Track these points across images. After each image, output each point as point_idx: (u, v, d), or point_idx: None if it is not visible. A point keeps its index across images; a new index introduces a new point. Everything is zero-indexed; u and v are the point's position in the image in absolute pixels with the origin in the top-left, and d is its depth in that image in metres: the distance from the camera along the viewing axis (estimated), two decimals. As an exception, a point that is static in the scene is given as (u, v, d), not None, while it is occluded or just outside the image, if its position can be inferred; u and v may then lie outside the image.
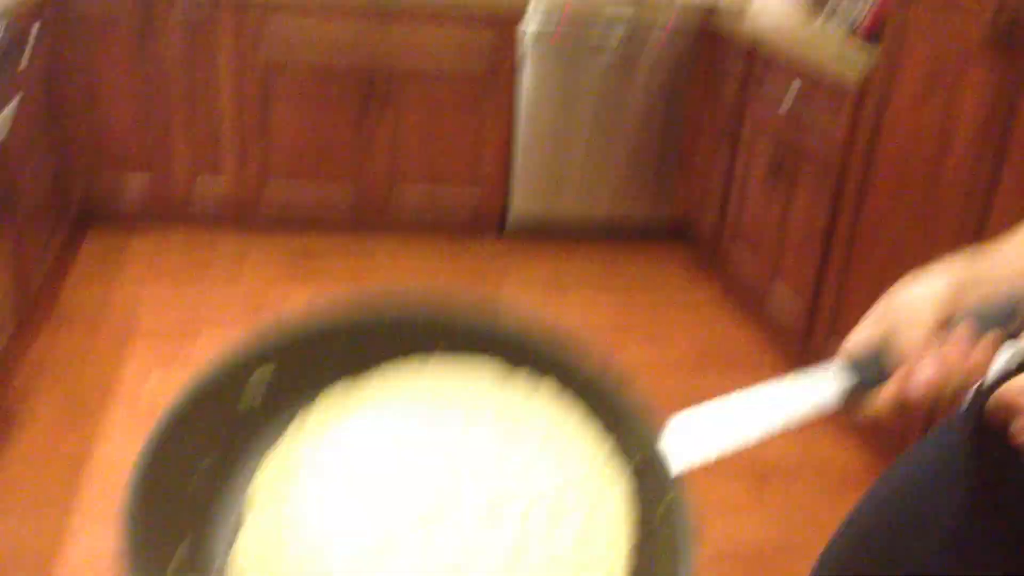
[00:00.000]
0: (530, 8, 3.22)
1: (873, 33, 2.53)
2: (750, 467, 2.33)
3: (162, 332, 2.69)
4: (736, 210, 3.17)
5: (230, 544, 0.68)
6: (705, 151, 3.41)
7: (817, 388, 0.71)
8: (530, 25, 3.24)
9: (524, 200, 3.49)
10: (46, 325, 2.65)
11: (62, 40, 2.95)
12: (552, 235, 3.56)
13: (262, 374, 0.75)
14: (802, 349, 2.75)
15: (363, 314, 0.79)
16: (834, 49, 2.59)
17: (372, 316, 0.79)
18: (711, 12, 3.32)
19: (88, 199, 3.22)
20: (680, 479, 0.67)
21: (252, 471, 0.72)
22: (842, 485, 2.29)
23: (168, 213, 3.33)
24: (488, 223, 3.55)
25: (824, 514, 2.16)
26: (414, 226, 3.49)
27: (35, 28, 2.60)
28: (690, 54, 3.37)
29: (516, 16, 3.24)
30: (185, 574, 0.63)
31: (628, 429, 0.72)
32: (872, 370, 0.71)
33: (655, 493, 0.68)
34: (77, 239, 3.16)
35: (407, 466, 0.69)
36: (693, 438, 0.69)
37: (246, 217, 3.38)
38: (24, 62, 2.46)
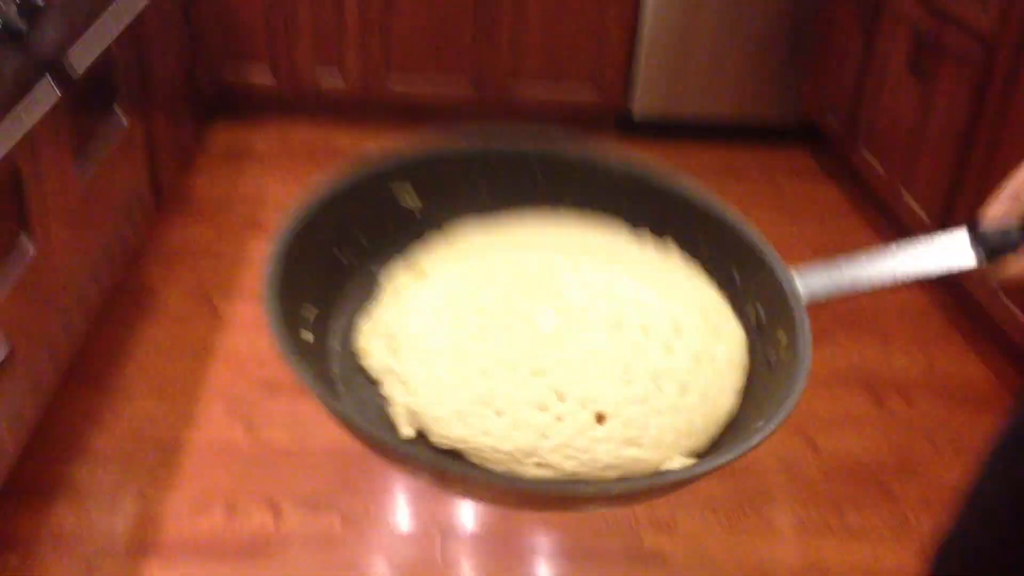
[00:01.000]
0: None
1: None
2: (871, 380, 2.26)
3: (284, 224, 2.75)
4: (869, 110, 2.99)
5: (352, 319, 0.76)
6: (837, 45, 3.21)
7: (949, 251, 0.77)
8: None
9: (646, 97, 3.38)
10: (175, 215, 2.75)
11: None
12: (673, 134, 3.45)
13: (403, 187, 0.80)
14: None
15: (495, 147, 0.83)
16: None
17: (505, 150, 0.82)
18: None
19: (215, 89, 3.28)
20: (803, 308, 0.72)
21: (389, 264, 0.79)
22: (964, 403, 2.20)
23: (291, 104, 3.37)
24: (608, 120, 3.47)
25: (943, 433, 2.09)
26: (534, 121, 3.44)
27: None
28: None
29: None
30: (313, 333, 0.71)
31: (757, 267, 0.76)
32: (1004, 239, 0.75)
33: (779, 322, 0.72)
34: (204, 129, 3.24)
35: (541, 287, 0.73)
36: (824, 279, 0.75)
37: (366, 110, 3.39)
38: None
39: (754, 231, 0.79)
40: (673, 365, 0.71)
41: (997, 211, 0.79)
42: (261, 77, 3.30)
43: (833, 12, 3.22)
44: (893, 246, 0.78)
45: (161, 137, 2.58)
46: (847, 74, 3.12)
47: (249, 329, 2.27)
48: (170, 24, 2.68)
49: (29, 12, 1.61)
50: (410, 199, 0.80)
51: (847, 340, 2.43)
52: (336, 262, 0.76)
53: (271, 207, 2.84)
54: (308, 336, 0.71)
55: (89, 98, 2.02)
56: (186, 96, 2.91)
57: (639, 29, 3.28)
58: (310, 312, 0.73)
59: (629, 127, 3.45)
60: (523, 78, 3.35)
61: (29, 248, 1.68)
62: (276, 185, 2.98)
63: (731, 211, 0.81)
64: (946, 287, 2.57)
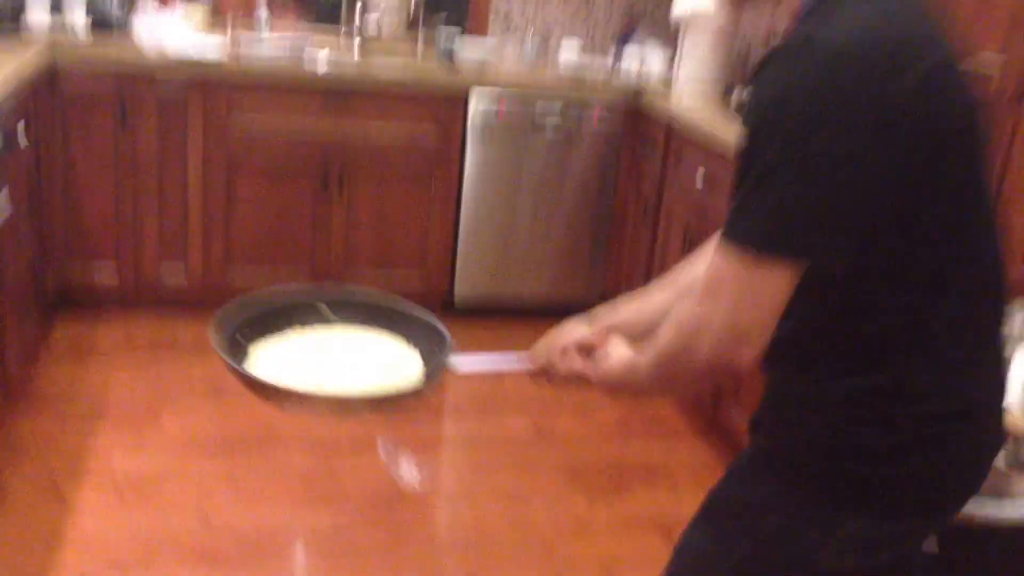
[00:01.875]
0: (473, 92, 3.55)
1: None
2: (665, 524, 2.61)
3: (129, 412, 2.92)
4: (658, 290, 3.49)
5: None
6: (632, 228, 3.73)
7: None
8: (474, 108, 3.56)
9: (467, 281, 3.79)
10: (21, 406, 2.87)
11: (47, 127, 3.21)
12: (494, 313, 3.84)
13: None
14: (711, 420, 3.05)
15: (297, 296, 1.57)
16: (735, 132, 2.93)
17: (301, 297, 1.57)
18: (639, 93, 3.67)
19: (61, 285, 3.46)
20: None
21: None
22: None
23: (135, 298, 3.57)
24: (435, 302, 3.83)
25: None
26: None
27: (22, 122, 2.85)
28: (620, 133, 3.72)
29: (461, 101, 3.56)
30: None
31: (434, 342, 1.51)
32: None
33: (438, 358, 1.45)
34: (50, 323, 3.38)
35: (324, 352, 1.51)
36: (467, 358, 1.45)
37: (208, 301, 3.63)
38: (13, 151, 2.70)
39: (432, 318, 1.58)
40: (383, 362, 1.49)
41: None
42: (106, 275, 3.50)
43: (624, 208, 3.77)
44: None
45: (8, 333, 2.73)
46: (639, 258, 3.63)
47: (97, 513, 2.41)
48: (21, 225, 2.88)
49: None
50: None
51: (644, 490, 2.78)
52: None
53: (114, 398, 3.00)
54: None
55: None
56: (32, 293, 3.08)
57: (459, 223, 3.71)
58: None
59: (454, 309, 3.83)
60: (356, 267, 3.69)
61: None
62: (119, 376, 3.14)
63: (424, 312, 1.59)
64: (730, 445, 2.98)
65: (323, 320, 1.56)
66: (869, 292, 1.09)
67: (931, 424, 1.13)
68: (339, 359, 1.49)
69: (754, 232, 1.03)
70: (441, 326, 1.55)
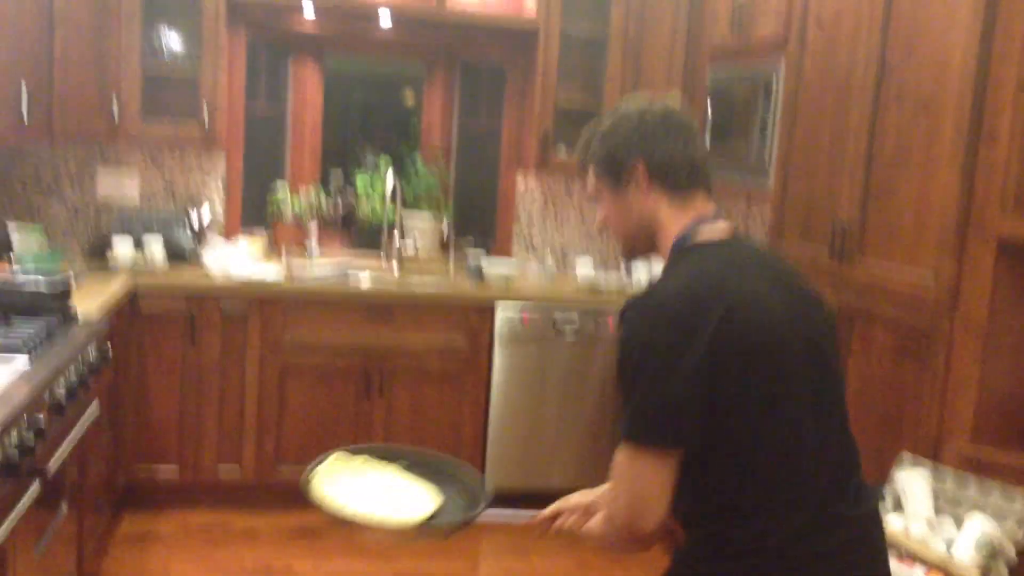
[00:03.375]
0: (499, 304, 3.99)
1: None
2: None
3: (188, 597, 3.20)
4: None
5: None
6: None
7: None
8: (500, 317, 3.99)
9: (498, 473, 4.10)
10: (91, 594, 3.16)
11: (126, 343, 3.65)
12: (523, 504, 4.10)
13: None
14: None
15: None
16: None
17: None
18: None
19: (127, 484, 3.81)
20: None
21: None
22: None
23: (193, 497, 3.91)
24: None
25: None
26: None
27: (109, 341, 3.29)
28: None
29: (488, 312, 4.00)
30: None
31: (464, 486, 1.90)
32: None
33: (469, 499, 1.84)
34: (116, 519, 3.71)
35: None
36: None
37: (258, 495, 3.95)
38: (103, 366, 3.12)
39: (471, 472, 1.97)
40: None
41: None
42: (168, 473, 3.86)
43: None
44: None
45: (85, 527, 3.06)
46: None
47: None
48: (100, 431, 3.28)
49: (40, 433, 2.21)
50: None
51: None
52: None
53: (175, 584, 3.28)
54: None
55: (47, 495, 2.55)
56: (105, 490, 3.43)
57: (489, 421, 4.06)
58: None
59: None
60: (393, 464, 4.02)
61: (2, 612, 2.13)
62: (178, 564, 3.43)
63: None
64: None
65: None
66: (705, 468, 1.48)
67: (767, 565, 1.49)
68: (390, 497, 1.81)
69: (631, 432, 1.46)
70: (481, 485, 1.92)
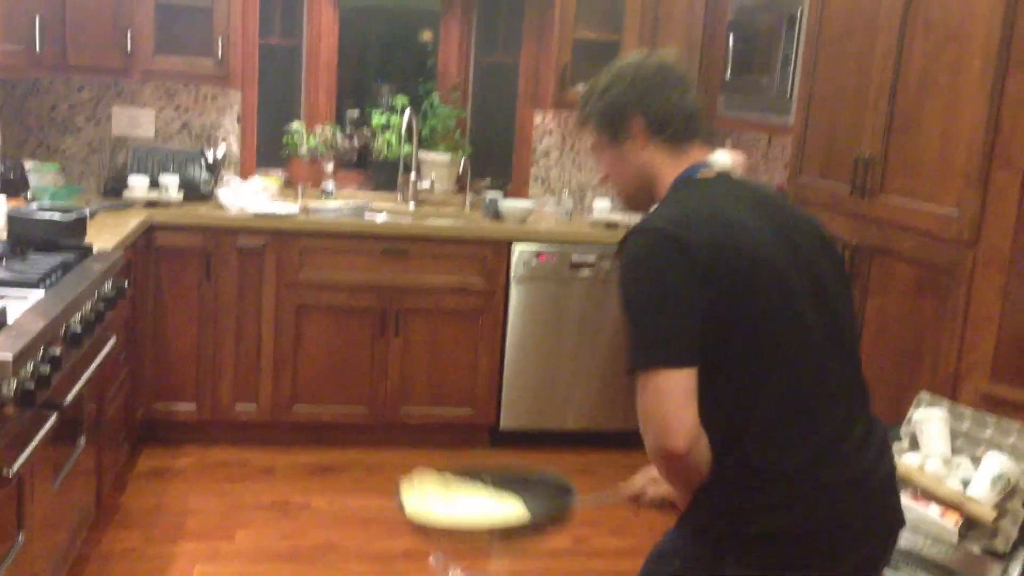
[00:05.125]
0: (516, 242, 3.96)
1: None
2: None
3: (205, 529, 3.24)
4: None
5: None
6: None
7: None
8: (516, 255, 3.96)
9: (513, 413, 4.10)
10: (112, 525, 3.21)
11: (143, 278, 3.67)
12: (537, 445, 4.13)
13: None
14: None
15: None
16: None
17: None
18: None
19: (146, 421, 3.85)
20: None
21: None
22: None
23: (211, 434, 3.94)
24: (481, 436, 4.14)
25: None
26: (419, 440, 4.09)
27: (126, 277, 3.30)
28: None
29: (504, 249, 3.97)
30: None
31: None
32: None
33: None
34: (136, 452, 3.76)
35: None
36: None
37: (275, 432, 3.99)
38: (119, 301, 3.13)
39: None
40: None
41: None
42: (186, 410, 3.89)
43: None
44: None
45: (104, 462, 3.10)
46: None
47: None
48: (118, 366, 3.30)
49: (55, 364, 2.22)
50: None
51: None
52: None
53: (192, 517, 3.32)
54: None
55: (64, 428, 2.58)
56: (124, 426, 3.47)
57: (505, 358, 4.06)
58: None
59: (500, 439, 4.13)
60: (410, 403, 4.04)
61: (20, 539, 2.16)
62: (196, 498, 3.48)
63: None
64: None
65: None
66: (715, 394, 1.48)
67: (772, 493, 1.51)
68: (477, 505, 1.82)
69: (637, 358, 1.49)
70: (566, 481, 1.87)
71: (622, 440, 4.18)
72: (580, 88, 4.22)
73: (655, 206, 1.66)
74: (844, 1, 3.01)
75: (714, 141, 4.39)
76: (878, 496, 1.59)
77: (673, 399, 1.45)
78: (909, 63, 2.64)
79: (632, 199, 1.75)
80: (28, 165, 3.67)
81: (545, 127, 4.61)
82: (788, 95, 3.32)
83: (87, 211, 3.14)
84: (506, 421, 4.11)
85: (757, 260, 1.52)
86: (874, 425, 1.62)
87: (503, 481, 1.86)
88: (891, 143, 2.70)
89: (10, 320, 2.13)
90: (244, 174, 4.34)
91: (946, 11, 2.50)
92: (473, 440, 4.13)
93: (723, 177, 1.68)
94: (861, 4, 2.90)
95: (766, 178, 4.17)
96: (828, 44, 3.10)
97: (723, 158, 3.94)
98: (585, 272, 4.05)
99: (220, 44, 3.93)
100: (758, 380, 1.51)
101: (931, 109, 2.55)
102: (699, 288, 1.47)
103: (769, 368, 1.51)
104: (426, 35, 4.77)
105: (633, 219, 4.21)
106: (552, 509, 1.77)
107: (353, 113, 4.58)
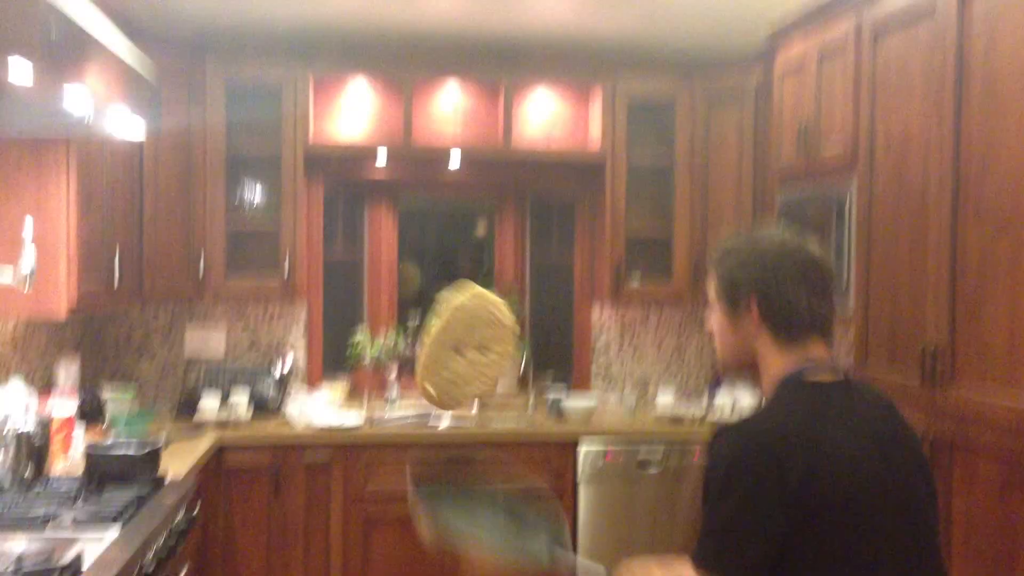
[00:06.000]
0: (582, 440, 3.93)
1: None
2: None
3: None
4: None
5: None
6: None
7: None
8: (583, 454, 3.92)
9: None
10: None
11: (213, 497, 3.67)
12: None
13: None
14: None
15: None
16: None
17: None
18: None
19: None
20: None
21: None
22: None
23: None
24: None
25: None
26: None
27: (200, 499, 3.32)
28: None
29: (571, 448, 3.94)
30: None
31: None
32: None
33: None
34: None
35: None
36: None
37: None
38: (192, 526, 3.13)
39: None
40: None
41: None
42: (256, 629, 3.82)
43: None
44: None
45: None
46: None
47: None
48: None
49: None
50: None
51: None
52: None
53: None
54: None
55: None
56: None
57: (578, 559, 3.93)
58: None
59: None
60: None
61: None
62: None
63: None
64: None
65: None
66: None
67: None
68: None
69: (700, 554, 1.49)
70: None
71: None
72: (636, 280, 4.33)
73: (760, 407, 1.64)
74: (890, 190, 3.06)
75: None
76: None
77: None
78: (964, 251, 2.64)
79: (729, 365, 1.71)
80: (105, 393, 3.79)
81: (603, 322, 4.66)
82: (846, 282, 3.33)
83: (160, 441, 3.21)
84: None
85: (845, 501, 1.48)
86: None
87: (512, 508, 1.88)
88: (957, 331, 2.67)
89: (85, 566, 2.15)
90: (310, 384, 4.43)
91: (997, 198, 2.52)
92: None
93: (836, 385, 1.60)
94: (908, 194, 2.94)
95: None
96: (879, 232, 3.12)
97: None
98: (652, 470, 3.98)
99: (287, 260, 4.10)
100: None
101: (994, 295, 2.52)
102: (781, 510, 1.44)
103: None
104: (480, 229, 4.92)
105: (698, 411, 4.13)
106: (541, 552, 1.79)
107: (415, 318, 4.69)
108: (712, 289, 1.70)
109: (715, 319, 1.70)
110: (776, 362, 1.62)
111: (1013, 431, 2.41)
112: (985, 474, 2.51)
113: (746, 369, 1.68)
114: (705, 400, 4.31)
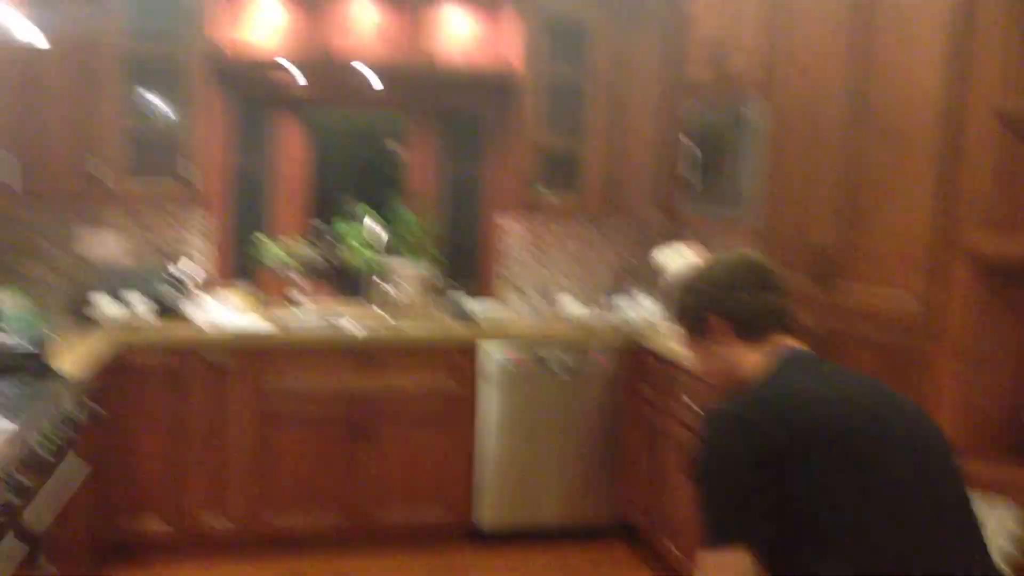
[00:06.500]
0: (485, 343, 3.99)
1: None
2: None
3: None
4: (661, 503, 3.76)
5: None
6: (635, 451, 4.05)
7: None
8: (486, 356, 3.99)
9: (488, 512, 4.07)
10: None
11: (111, 397, 3.62)
12: (515, 543, 4.09)
13: None
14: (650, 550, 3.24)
15: None
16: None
17: None
18: (632, 335, 4.10)
19: (116, 540, 3.76)
20: None
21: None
22: None
23: (181, 548, 3.86)
24: (458, 537, 4.10)
25: None
26: (395, 544, 4.03)
27: (96, 400, 3.26)
28: (618, 369, 4.13)
29: (474, 352, 4.00)
30: None
31: None
32: None
33: None
34: (104, 570, 3.65)
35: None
36: None
37: (248, 547, 3.91)
38: (89, 422, 3.09)
39: None
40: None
41: None
42: (157, 527, 3.82)
43: (627, 434, 4.11)
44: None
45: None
46: (642, 480, 3.92)
47: None
48: (87, 488, 3.24)
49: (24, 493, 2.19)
50: None
51: None
52: None
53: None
54: None
55: (34, 555, 2.52)
56: (92, 547, 3.38)
57: (478, 459, 4.04)
58: None
59: (477, 539, 4.08)
60: (385, 508, 3.99)
61: None
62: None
63: None
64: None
65: None
66: (782, 564, 1.52)
67: None
68: None
69: (706, 536, 1.53)
70: None
71: (598, 535, 4.15)
72: (542, 190, 4.36)
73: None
74: (794, 103, 3.14)
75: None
76: None
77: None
78: (859, 161, 2.75)
79: (725, 389, 1.78)
80: (-3, 292, 3.67)
81: (511, 229, 4.70)
82: (748, 193, 3.43)
83: (53, 334, 3.14)
84: (482, 521, 4.06)
85: (842, 430, 1.54)
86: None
87: None
88: (849, 235, 2.79)
89: (-23, 450, 2.12)
90: (212, 289, 4.36)
91: (892, 111, 2.61)
92: (450, 541, 4.08)
93: (815, 357, 1.72)
94: (810, 106, 3.02)
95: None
96: (782, 144, 3.22)
97: (684, 251, 4.02)
98: (554, 369, 4.08)
99: (189, 167, 3.99)
100: (819, 550, 1.50)
101: (884, 203, 2.64)
102: (763, 471, 1.51)
103: (832, 540, 1.50)
104: (392, 144, 4.88)
105: (599, 317, 4.23)
106: None
107: (320, 224, 4.64)
108: (681, 332, 1.83)
109: (694, 355, 1.83)
110: (753, 361, 1.72)
111: (891, 326, 2.57)
112: (868, 364, 2.66)
113: (739, 386, 1.73)
114: (607, 306, 4.41)
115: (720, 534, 1.52)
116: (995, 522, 2.24)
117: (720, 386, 1.79)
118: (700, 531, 1.55)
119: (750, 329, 1.72)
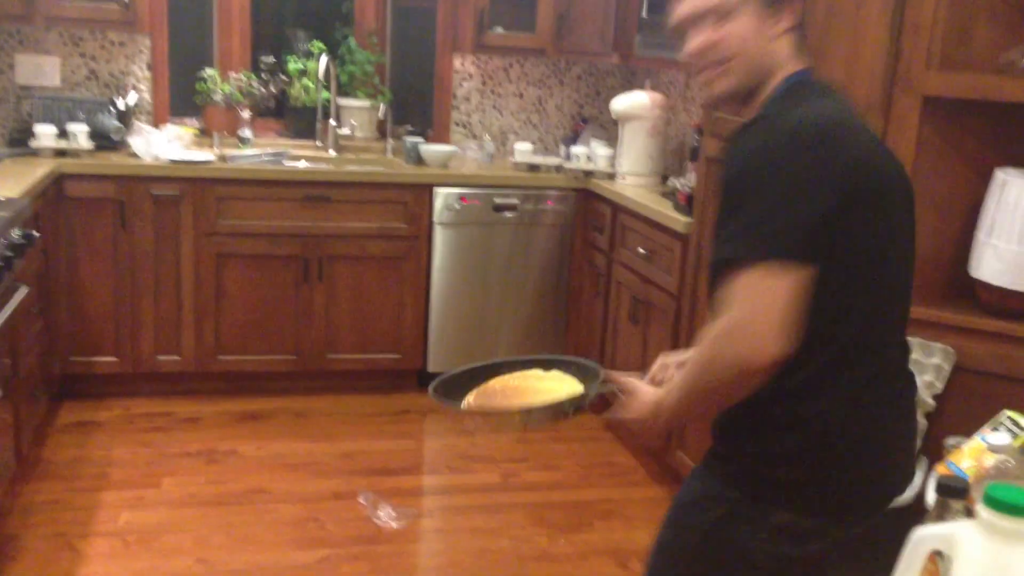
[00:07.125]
0: (438, 186, 3.96)
1: (688, 202, 3.28)
2: (618, 552, 2.89)
3: (131, 477, 3.21)
4: (611, 351, 3.83)
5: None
6: (587, 297, 4.10)
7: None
8: (439, 199, 3.96)
9: (440, 355, 4.13)
10: (33, 477, 3.15)
11: (55, 230, 3.57)
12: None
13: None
14: (664, 465, 3.36)
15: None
16: (670, 213, 3.33)
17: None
18: (587, 181, 4.09)
19: (65, 375, 3.77)
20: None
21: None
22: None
23: (133, 387, 3.88)
24: (409, 380, 4.16)
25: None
26: (346, 386, 4.09)
27: (35, 226, 3.21)
28: (572, 216, 4.13)
29: (427, 193, 3.96)
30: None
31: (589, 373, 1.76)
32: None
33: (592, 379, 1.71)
34: (56, 407, 3.68)
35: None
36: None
37: (200, 385, 3.95)
38: (28, 252, 3.05)
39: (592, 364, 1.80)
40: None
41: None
42: (107, 364, 3.82)
43: (580, 280, 4.15)
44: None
45: (21, 415, 3.03)
46: (595, 323, 3.98)
47: (105, 560, 2.68)
48: (31, 318, 3.22)
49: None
50: None
51: (601, 525, 3.08)
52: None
53: (117, 467, 3.28)
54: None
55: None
56: (41, 380, 3.39)
57: (430, 301, 4.07)
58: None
59: (427, 382, 4.13)
60: (336, 349, 4.03)
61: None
62: (120, 449, 3.43)
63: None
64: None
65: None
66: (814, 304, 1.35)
67: (827, 436, 1.41)
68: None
69: (751, 248, 1.31)
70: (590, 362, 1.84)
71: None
72: (499, 31, 4.25)
73: (768, 101, 1.45)
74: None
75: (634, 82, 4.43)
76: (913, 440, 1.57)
77: (780, 302, 1.29)
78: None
79: (736, 94, 1.48)
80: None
81: (465, 72, 4.59)
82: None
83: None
84: (433, 364, 4.12)
85: (886, 188, 1.42)
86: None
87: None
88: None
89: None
90: (157, 123, 4.24)
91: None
92: (400, 384, 4.15)
93: (842, 92, 1.52)
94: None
95: (684, 117, 4.22)
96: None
97: (642, 99, 3.96)
98: (508, 214, 4.07)
99: (127, -13, 3.81)
100: (843, 303, 1.39)
101: (837, 38, 2.61)
102: (831, 189, 1.32)
103: (869, 286, 1.42)
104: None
105: (555, 161, 4.15)
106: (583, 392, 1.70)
107: (269, 59, 4.49)
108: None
109: (734, 30, 1.44)
110: (788, 68, 1.46)
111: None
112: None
113: (748, 96, 1.48)
114: (562, 150, 4.37)
115: (778, 245, 1.29)
116: (932, 370, 2.31)
117: (735, 85, 1.47)
118: (735, 247, 1.32)
119: (804, 32, 1.47)
